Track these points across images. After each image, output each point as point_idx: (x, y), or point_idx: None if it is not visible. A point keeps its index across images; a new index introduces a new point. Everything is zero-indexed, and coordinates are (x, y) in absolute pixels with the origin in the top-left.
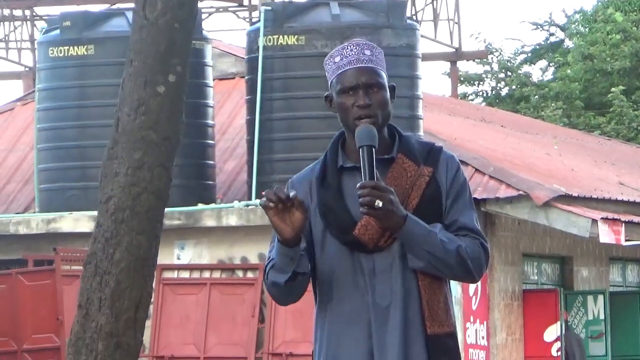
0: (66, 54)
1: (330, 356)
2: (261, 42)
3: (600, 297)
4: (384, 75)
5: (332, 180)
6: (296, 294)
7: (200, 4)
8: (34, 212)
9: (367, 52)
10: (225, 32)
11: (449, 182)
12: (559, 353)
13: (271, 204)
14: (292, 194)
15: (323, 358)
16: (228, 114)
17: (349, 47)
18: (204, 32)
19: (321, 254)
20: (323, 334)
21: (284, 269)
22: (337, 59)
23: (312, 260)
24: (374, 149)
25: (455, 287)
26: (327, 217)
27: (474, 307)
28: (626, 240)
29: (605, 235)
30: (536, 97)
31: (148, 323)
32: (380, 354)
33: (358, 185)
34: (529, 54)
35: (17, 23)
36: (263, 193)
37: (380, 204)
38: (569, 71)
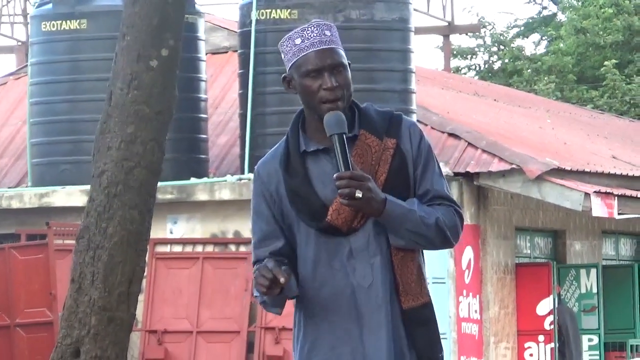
0: (59, 28)
1: (310, 341)
2: (254, 15)
3: (593, 271)
4: (344, 54)
5: (297, 166)
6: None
7: None
8: (26, 187)
9: (328, 33)
10: (218, 6)
11: (414, 151)
12: (552, 326)
13: (264, 289)
14: (282, 280)
15: (302, 342)
16: (221, 88)
17: (309, 29)
18: (196, 6)
19: (298, 239)
20: (301, 319)
21: (277, 304)
22: (298, 41)
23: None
24: (344, 136)
25: (447, 261)
26: (296, 204)
27: (466, 281)
28: (619, 214)
29: (598, 208)
30: (529, 70)
31: (141, 297)
32: (370, 334)
33: (335, 175)
34: (522, 28)
35: None
36: (254, 279)
37: (360, 194)
38: (561, 45)
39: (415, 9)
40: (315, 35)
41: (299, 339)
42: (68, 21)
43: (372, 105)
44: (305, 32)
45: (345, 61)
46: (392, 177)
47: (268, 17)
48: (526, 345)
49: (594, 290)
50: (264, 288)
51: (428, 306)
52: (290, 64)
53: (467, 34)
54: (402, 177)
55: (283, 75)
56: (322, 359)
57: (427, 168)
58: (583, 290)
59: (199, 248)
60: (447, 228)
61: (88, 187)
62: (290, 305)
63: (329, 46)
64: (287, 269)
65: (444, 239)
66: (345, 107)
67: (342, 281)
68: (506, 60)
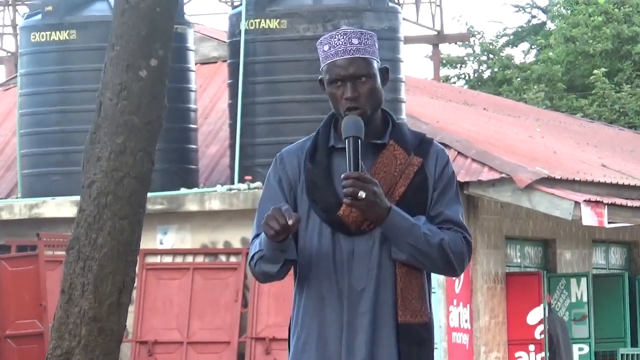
0: (48, 39)
1: (304, 336)
2: (243, 25)
3: (584, 280)
4: (374, 61)
5: (322, 159)
6: (283, 276)
7: None
8: (16, 198)
9: (355, 41)
10: (207, 16)
11: (437, 174)
12: (542, 336)
13: (272, 232)
14: (291, 222)
15: (297, 336)
16: (210, 98)
17: (336, 37)
18: (185, 16)
19: (304, 231)
20: (299, 312)
21: (274, 260)
22: (326, 48)
23: (296, 240)
24: (359, 140)
25: None
26: (313, 194)
27: (457, 291)
28: (609, 223)
29: (588, 217)
30: (518, 79)
31: (131, 308)
32: (349, 337)
33: (343, 175)
34: (511, 37)
35: None
36: (265, 219)
37: (364, 195)
38: (551, 53)
39: (404, 18)
40: (340, 43)
41: (294, 334)
42: (57, 32)
43: (407, 125)
44: (332, 40)
45: (372, 70)
46: (410, 193)
47: (257, 27)
48: (517, 354)
49: (585, 299)
50: (273, 231)
51: (426, 327)
52: (321, 69)
53: (456, 43)
54: (420, 196)
55: (319, 78)
56: (311, 357)
57: (444, 192)
58: (573, 300)
59: (189, 259)
60: (452, 252)
61: (78, 197)
62: (281, 314)
63: (353, 55)
64: (298, 215)
65: (448, 263)
66: (371, 116)
67: (337, 280)
68: (495, 69)
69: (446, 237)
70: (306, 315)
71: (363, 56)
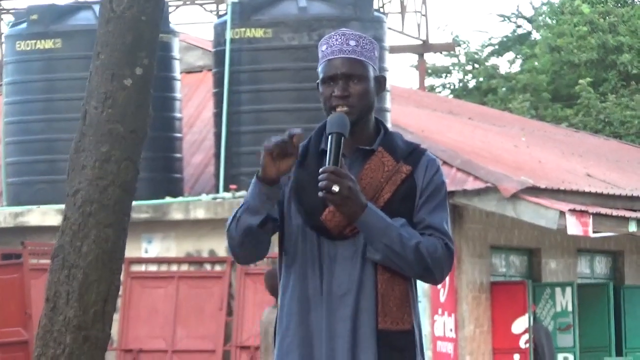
0: (33, 48)
1: (289, 338)
2: (228, 35)
3: (569, 289)
4: (369, 66)
5: (311, 162)
6: (259, 248)
7: None
8: (1, 206)
9: (352, 43)
10: (193, 25)
11: (425, 182)
12: (527, 345)
13: (272, 151)
14: (296, 131)
15: (281, 336)
16: (195, 107)
17: (334, 37)
18: (171, 25)
19: (290, 228)
20: (283, 311)
21: (258, 209)
22: (324, 48)
23: (282, 233)
24: (343, 137)
25: None
26: (299, 196)
27: (442, 300)
28: (594, 232)
29: (573, 227)
30: (504, 89)
31: (116, 316)
32: (330, 342)
33: (320, 169)
34: (497, 46)
35: None
36: (265, 145)
37: (337, 189)
38: (536, 63)
39: (389, 28)
40: (337, 43)
41: (279, 333)
42: (42, 40)
43: (401, 134)
44: (331, 40)
45: (366, 72)
46: (395, 200)
47: (242, 37)
48: None
49: (569, 308)
50: (276, 147)
51: (407, 334)
52: (317, 69)
53: (441, 53)
54: (406, 203)
55: (317, 81)
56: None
57: (430, 199)
58: (558, 309)
59: (174, 267)
60: (429, 256)
61: (63, 206)
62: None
63: (348, 55)
64: (301, 132)
65: (425, 267)
66: (359, 118)
67: (319, 284)
68: (481, 79)
69: (424, 241)
70: (291, 316)
71: (358, 58)
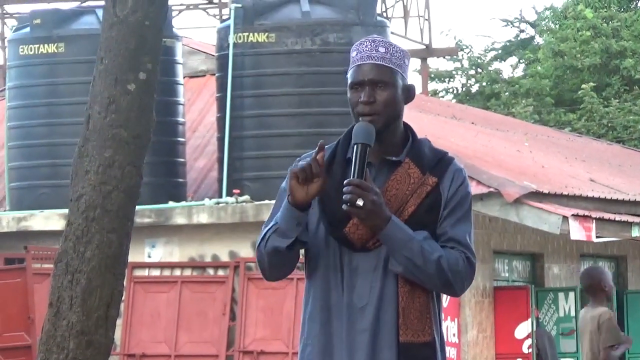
0: (36, 52)
1: (310, 347)
2: (231, 39)
3: (571, 294)
4: (397, 73)
5: (337, 170)
6: (288, 266)
7: (170, 2)
8: (4, 210)
9: (381, 50)
10: (196, 30)
11: (450, 193)
12: (530, 350)
13: (299, 177)
14: (321, 154)
15: (303, 344)
16: (198, 111)
17: (364, 43)
18: (174, 29)
19: (314, 237)
20: (305, 318)
21: (287, 233)
22: (354, 54)
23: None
24: (368, 148)
25: None
26: (323, 205)
27: (444, 305)
28: (597, 237)
29: (576, 232)
30: (507, 93)
31: (119, 321)
32: (349, 355)
33: (345, 181)
34: (500, 51)
35: None
36: (291, 170)
37: (362, 203)
38: (539, 68)
39: (392, 32)
40: (367, 49)
41: (301, 340)
42: (46, 45)
43: (429, 141)
44: (361, 46)
45: (394, 80)
46: (420, 212)
47: (245, 41)
48: None
49: (572, 313)
50: (301, 173)
51: (429, 345)
52: (347, 75)
53: (444, 57)
54: (431, 215)
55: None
56: None
57: (453, 211)
58: (561, 314)
59: (177, 272)
60: (450, 270)
61: (66, 211)
62: (269, 327)
63: (376, 62)
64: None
65: (445, 281)
66: (385, 126)
67: (341, 295)
68: (484, 84)
69: (445, 254)
70: (312, 324)
71: (386, 64)
